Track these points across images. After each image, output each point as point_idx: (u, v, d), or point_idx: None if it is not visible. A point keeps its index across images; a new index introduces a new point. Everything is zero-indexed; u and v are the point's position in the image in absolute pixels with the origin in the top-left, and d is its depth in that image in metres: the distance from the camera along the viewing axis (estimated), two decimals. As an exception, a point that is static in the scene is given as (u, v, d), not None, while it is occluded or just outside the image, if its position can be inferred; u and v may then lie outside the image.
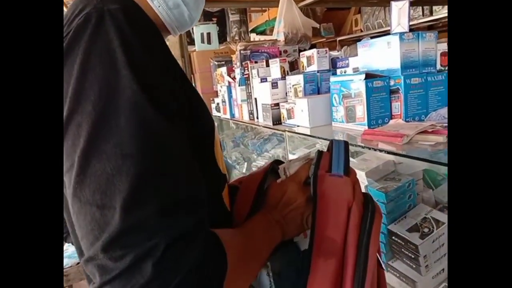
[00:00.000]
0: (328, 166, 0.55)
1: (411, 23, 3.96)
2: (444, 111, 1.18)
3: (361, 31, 4.82)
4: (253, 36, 4.19)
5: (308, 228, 0.53)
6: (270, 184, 0.58)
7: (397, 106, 1.16)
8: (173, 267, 0.32)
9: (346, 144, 0.59)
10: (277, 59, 1.59)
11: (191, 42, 3.23)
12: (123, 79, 0.35)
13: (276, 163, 0.64)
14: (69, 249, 1.93)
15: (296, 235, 0.57)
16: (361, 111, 1.15)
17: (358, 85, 1.13)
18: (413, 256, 0.90)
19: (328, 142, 0.66)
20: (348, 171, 0.55)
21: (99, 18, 0.37)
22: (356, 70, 1.38)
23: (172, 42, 2.34)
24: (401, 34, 1.10)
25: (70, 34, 0.36)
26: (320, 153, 0.58)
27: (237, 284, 0.41)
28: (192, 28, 2.90)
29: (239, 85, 1.88)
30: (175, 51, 2.38)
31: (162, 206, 0.33)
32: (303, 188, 0.55)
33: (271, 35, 3.63)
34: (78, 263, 1.83)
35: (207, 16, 4.31)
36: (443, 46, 1.23)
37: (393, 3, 1.13)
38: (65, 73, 0.36)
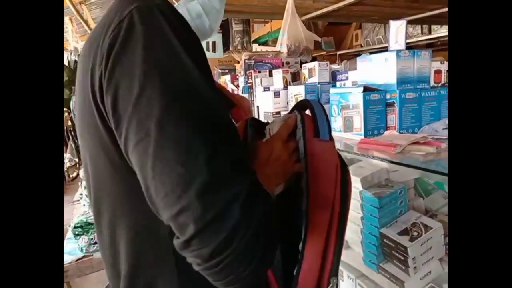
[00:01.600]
0: (313, 130, 0.59)
1: (410, 40, 4.07)
2: (436, 125, 1.25)
3: (361, 46, 4.93)
4: (255, 47, 4.28)
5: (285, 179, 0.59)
6: (257, 144, 0.60)
7: (392, 119, 1.23)
8: (253, 209, 0.38)
9: (323, 106, 0.64)
10: (280, 70, 1.66)
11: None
12: (180, 58, 0.40)
13: (252, 120, 0.68)
14: (68, 245, 1.97)
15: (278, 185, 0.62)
16: (358, 121, 1.22)
17: (356, 97, 1.21)
18: (402, 258, 0.96)
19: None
20: (331, 136, 0.62)
21: (149, 10, 0.41)
22: (354, 83, 1.45)
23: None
24: (398, 52, 1.18)
25: (125, 26, 0.41)
26: (302, 116, 0.62)
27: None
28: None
29: (242, 93, 1.95)
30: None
31: (233, 161, 0.39)
32: (285, 145, 0.59)
33: (273, 46, 3.72)
34: (78, 259, 1.86)
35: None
36: (437, 64, 1.31)
37: (392, 22, 1.21)
38: (124, 58, 0.40)
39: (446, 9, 2.22)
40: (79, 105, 0.50)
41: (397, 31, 1.20)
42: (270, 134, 0.65)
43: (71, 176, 2.79)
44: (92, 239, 1.93)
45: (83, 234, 1.96)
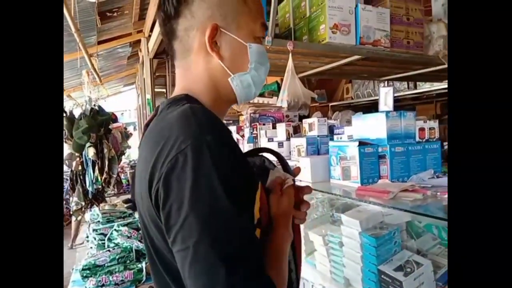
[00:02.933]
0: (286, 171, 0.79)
1: (397, 94, 4.37)
2: (423, 175, 1.44)
3: (352, 98, 5.27)
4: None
5: None
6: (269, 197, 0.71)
7: (385, 169, 1.41)
8: None
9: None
10: (283, 123, 1.87)
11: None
12: (220, 196, 0.52)
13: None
14: (75, 288, 2.01)
15: None
16: (355, 171, 1.40)
17: (353, 150, 1.40)
18: (398, 292, 1.09)
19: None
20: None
21: (200, 150, 0.53)
22: (350, 137, 1.66)
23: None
24: (387, 112, 1.40)
25: (181, 159, 0.53)
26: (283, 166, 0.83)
27: (282, 281, 0.61)
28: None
29: (247, 142, 2.15)
30: (189, 109, 2.65)
31: (246, 274, 0.51)
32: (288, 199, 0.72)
33: (269, 97, 4.01)
34: None
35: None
36: (421, 123, 1.53)
37: (381, 88, 1.44)
38: (179, 187, 0.53)
39: (428, 69, 2.50)
40: (138, 186, 0.64)
41: (386, 95, 1.42)
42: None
43: (77, 219, 2.86)
44: (100, 281, 1.97)
45: (91, 276, 2.01)
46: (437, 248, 1.29)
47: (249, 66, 0.69)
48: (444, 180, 1.32)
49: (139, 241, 2.20)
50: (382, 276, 1.13)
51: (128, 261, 2.09)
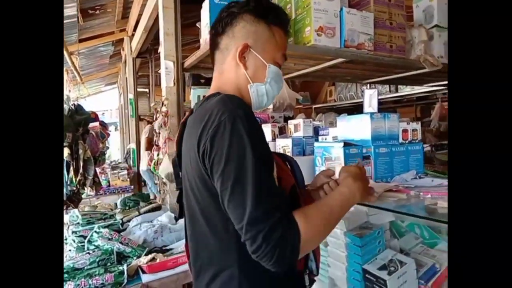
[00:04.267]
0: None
1: (380, 97, 4.48)
2: (406, 175, 1.47)
3: (335, 101, 5.35)
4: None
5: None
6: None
7: (369, 170, 1.43)
8: (271, 237, 0.68)
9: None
10: (269, 124, 1.87)
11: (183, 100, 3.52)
12: (249, 153, 0.72)
13: None
14: None
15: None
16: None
17: (338, 151, 1.41)
18: (382, 291, 1.10)
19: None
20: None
21: (235, 118, 0.74)
22: (335, 138, 1.67)
23: (171, 101, 2.60)
24: (372, 114, 1.42)
25: (222, 124, 0.73)
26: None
27: (317, 227, 0.76)
28: (190, 90, 3.21)
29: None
30: (173, 109, 2.61)
31: (264, 210, 0.69)
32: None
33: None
34: None
35: (196, 78, 4.67)
36: (404, 125, 1.56)
37: (365, 90, 1.46)
38: (220, 144, 0.73)
39: (410, 73, 2.56)
40: (185, 162, 0.86)
41: (370, 97, 1.45)
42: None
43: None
44: (79, 285, 1.91)
45: (69, 280, 1.94)
46: (419, 247, 1.31)
47: (266, 80, 0.89)
48: (426, 181, 1.35)
49: (120, 243, 2.15)
50: (367, 275, 1.14)
51: (108, 264, 2.03)
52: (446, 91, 4.12)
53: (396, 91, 4.38)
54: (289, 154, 1.70)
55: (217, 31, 0.91)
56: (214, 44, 0.93)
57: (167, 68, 2.56)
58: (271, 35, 0.90)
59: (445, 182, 1.30)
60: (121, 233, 2.29)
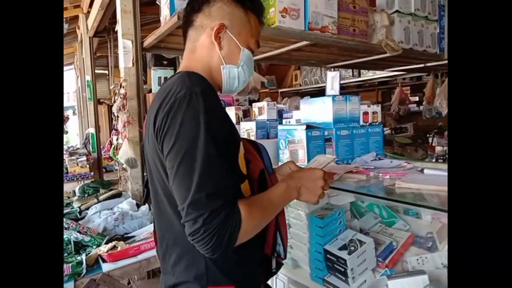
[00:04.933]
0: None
1: (343, 82, 4.57)
2: (366, 157, 1.50)
3: (300, 85, 5.39)
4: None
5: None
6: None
7: (330, 152, 1.44)
8: (212, 222, 0.67)
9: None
10: (233, 107, 1.84)
11: (145, 82, 3.38)
12: (201, 132, 0.69)
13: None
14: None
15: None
16: (302, 154, 1.42)
17: (300, 133, 1.41)
18: (343, 270, 1.13)
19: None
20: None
21: (190, 95, 0.72)
22: (298, 121, 1.67)
23: (130, 82, 2.48)
24: (333, 96, 1.42)
25: (177, 102, 0.71)
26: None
27: (257, 219, 0.75)
28: (150, 71, 3.08)
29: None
30: (132, 91, 2.49)
31: (208, 193, 0.67)
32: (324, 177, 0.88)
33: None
34: None
35: (158, 59, 4.50)
36: (365, 107, 1.58)
37: (328, 72, 1.46)
38: (172, 122, 0.71)
39: (372, 57, 2.61)
40: (146, 143, 0.83)
41: (333, 80, 1.45)
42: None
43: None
44: None
45: None
46: (378, 226, 1.36)
47: (239, 63, 0.88)
48: (385, 162, 1.38)
49: (78, 232, 2.05)
50: (328, 255, 1.17)
51: (66, 254, 1.94)
52: (405, 76, 4.27)
53: (359, 75, 4.47)
54: (253, 137, 1.68)
55: (193, 8, 0.89)
56: (188, 21, 0.90)
57: (125, 48, 2.43)
58: (247, 19, 0.89)
59: (402, 163, 1.35)
60: (79, 222, 2.18)
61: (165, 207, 0.81)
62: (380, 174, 1.21)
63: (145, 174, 0.96)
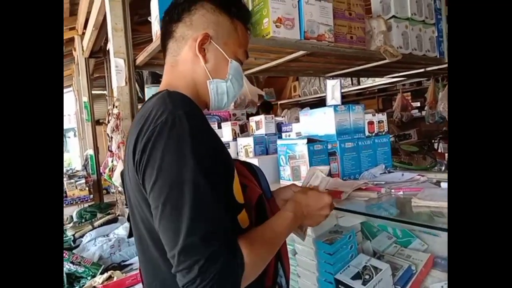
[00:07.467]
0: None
1: (342, 90, 4.51)
2: (374, 170, 1.38)
3: (299, 96, 5.31)
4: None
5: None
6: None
7: (335, 167, 1.33)
8: (209, 270, 0.56)
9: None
10: (229, 123, 1.73)
11: (140, 100, 3.30)
12: (187, 162, 0.59)
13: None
14: None
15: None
16: (305, 170, 1.31)
17: (302, 148, 1.30)
18: (357, 302, 1.01)
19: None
20: None
21: (173, 121, 0.62)
22: (298, 134, 1.57)
23: (123, 102, 2.39)
24: (335, 106, 1.32)
25: (157, 129, 0.62)
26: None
27: (262, 257, 0.66)
28: (144, 88, 3.00)
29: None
30: (126, 110, 2.41)
31: (202, 236, 0.57)
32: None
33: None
34: None
35: (155, 77, 4.45)
36: (369, 116, 1.47)
37: (328, 81, 1.36)
38: (153, 153, 0.61)
39: (371, 64, 2.53)
40: (127, 169, 0.73)
41: (333, 89, 1.35)
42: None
43: None
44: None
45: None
46: (393, 247, 1.23)
47: (227, 77, 0.79)
48: (396, 175, 1.27)
49: (72, 262, 1.93)
50: (340, 286, 1.04)
51: (58, 287, 1.82)
52: (405, 82, 4.19)
53: (359, 83, 4.40)
54: (251, 154, 1.58)
55: (171, 18, 0.79)
56: (167, 32, 0.80)
57: (117, 67, 2.35)
58: (233, 28, 0.80)
59: (415, 176, 1.23)
60: (73, 251, 2.07)
61: (150, 250, 0.70)
62: (393, 190, 1.09)
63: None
